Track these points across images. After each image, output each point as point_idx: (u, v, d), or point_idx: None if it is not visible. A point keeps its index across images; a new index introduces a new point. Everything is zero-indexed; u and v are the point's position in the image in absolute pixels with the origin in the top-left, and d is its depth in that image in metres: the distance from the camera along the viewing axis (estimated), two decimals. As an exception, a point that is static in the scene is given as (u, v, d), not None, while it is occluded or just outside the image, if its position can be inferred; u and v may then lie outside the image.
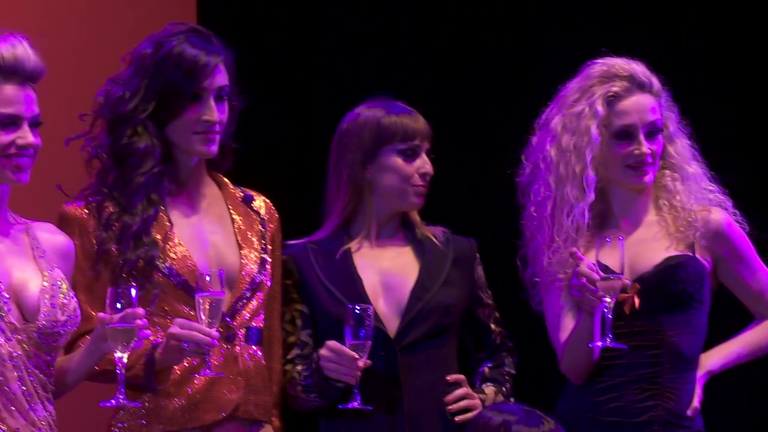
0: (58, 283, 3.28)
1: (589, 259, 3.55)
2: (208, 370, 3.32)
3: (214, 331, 3.29)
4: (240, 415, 3.47)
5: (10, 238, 3.32)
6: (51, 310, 3.26)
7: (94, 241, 3.45)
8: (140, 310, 3.18)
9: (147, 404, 3.40)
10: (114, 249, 3.47)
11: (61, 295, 3.28)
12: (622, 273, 3.47)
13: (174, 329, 3.26)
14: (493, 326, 3.78)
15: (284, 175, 5.06)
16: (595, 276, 3.41)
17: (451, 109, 5.19)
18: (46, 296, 3.26)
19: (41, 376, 3.22)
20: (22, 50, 3.27)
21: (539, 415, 3.35)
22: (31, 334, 3.22)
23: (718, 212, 3.64)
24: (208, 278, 3.33)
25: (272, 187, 3.97)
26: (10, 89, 3.24)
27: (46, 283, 3.27)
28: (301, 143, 5.40)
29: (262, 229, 3.63)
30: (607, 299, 3.42)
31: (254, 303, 3.57)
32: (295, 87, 5.27)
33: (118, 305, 3.14)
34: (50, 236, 3.40)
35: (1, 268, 3.25)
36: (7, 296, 3.22)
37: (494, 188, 4.08)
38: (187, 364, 3.41)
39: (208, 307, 3.30)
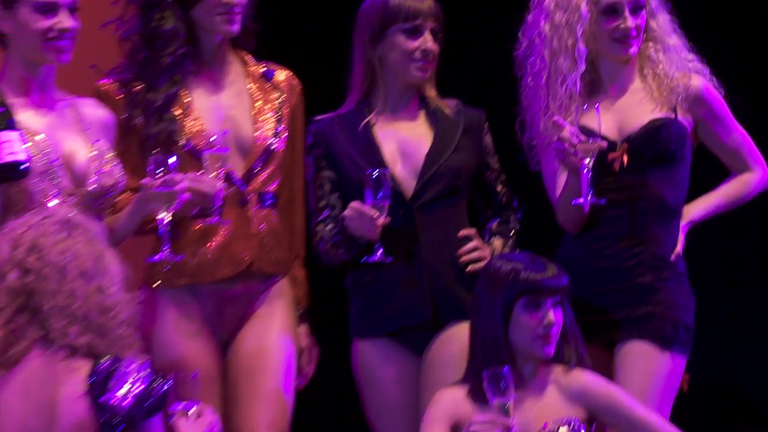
0: (104, 152, 3.53)
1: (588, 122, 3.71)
2: (216, 218, 3.57)
3: (219, 183, 3.53)
4: (255, 270, 3.74)
5: (59, 114, 3.54)
6: (98, 176, 3.51)
7: (124, 116, 3.68)
8: (179, 176, 3.43)
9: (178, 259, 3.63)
10: (139, 123, 3.69)
11: (107, 164, 3.53)
12: (600, 136, 3.67)
13: (185, 182, 3.47)
14: (499, 188, 4.00)
15: (313, 54, 5.13)
16: (575, 140, 3.62)
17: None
18: (94, 164, 3.50)
19: None
20: None
21: (543, 261, 3.58)
22: (82, 197, 3.46)
23: (697, 78, 3.83)
24: (213, 138, 3.56)
25: (301, 65, 4.16)
26: None
27: (92, 153, 3.51)
28: (329, 24, 5.29)
29: (280, 102, 3.83)
30: (587, 160, 3.62)
31: (268, 170, 3.78)
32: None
33: (159, 172, 3.38)
34: (93, 111, 3.62)
35: (52, 140, 3.47)
36: (60, 164, 3.45)
37: (496, 63, 4.19)
38: (203, 226, 3.65)
39: (214, 163, 3.54)
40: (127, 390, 2.84)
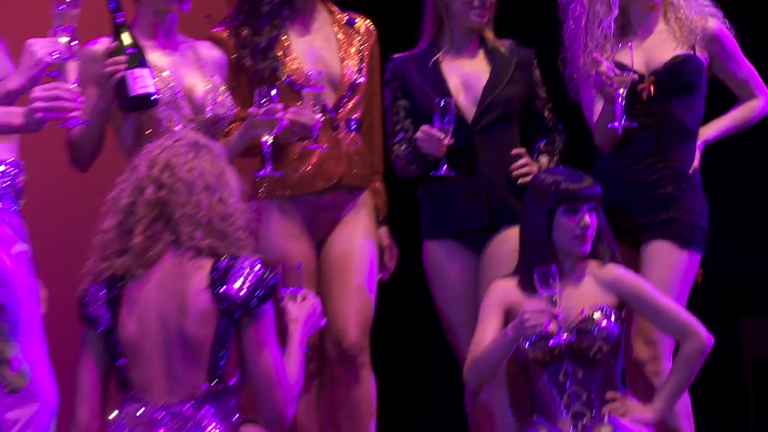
0: (218, 86, 3.69)
1: (612, 60, 3.80)
2: (315, 145, 3.75)
3: (316, 115, 3.67)
4: (344, 184, 3.89)
5: (181, 54, 3.72)
6: (214, 106, 3.67)
7: (234, 56, 3.86)
8: (279, 105, 3.58)
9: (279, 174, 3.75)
10: (248, 62, 3.87)
11: (220, 96, 3.70)
12: (632, 70, 3.78)
13: (288, 114, 3.61)
14: (546, 113, 4.14)
15: (389, 3, 5.18)
16: (611, 73, 3.71)
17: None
18: (210, 96, 3.68)
19: None
20: None
21: (581, 174, 3.67)
22: (200, 123, 3.63)
23: (713, 20, 3.95)
24: (311, 78, 3.74)
25: (380, 13, 4.35)
26: None
27: (208, 86, 3.67)
28: None
29: (361, 45, 4.00)
30: (621, 90, 3.73)
31: (353, 101, 3.94)
32: None
33: (263, 102, 3.55)
34: (209, 51, 3.80)
35: (176, 75, 3.64)
36: (182, 96, 3.62)
37: (543, 8, 4.31)
38: (301, 149, 3.83)
39: (311, 98, 3.70)
40: (241, 283, 2.92)
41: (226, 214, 3.02)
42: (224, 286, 2.93)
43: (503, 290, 3.70)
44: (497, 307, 3.69)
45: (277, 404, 3.03)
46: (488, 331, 3.65)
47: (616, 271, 3.69)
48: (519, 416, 3.96)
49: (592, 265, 3.69)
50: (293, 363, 3.11)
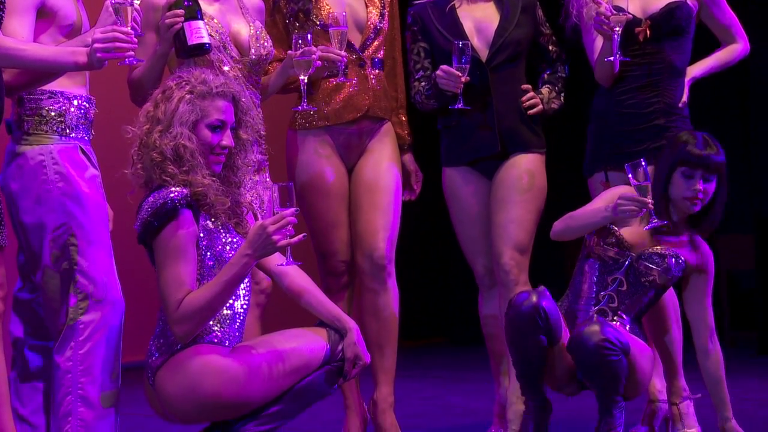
0: (259, 30, 3.88)
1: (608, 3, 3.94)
2: (342, 77, 3.95)
3: (342, 52, 3.90)
4: (370, 114, 4.14)
5: (226, 3, 3.89)
6: (257, 48, 3.86)
7: (272, 1, 4.11)
8: (314, 48, 3.80)
9: (314, 109, 4.02)
10: (284, 5, 4.11)
11: (262, 39, 3.90)
12: (627, 12, 3.92)
13: (317, 52, 3.81)
14: (550, 47, 4.34)
15: None
16: (609, 13, 3.91)
17: None
18: (253, 39, 3.87)
19: (252, 88, 3.82)
20: None
21: (711, 143, 3.83)
22: (245, 63, 3.83)
23: None
24: (339, 19, 3.91)
25: None
26: None
27: (252, 31, 3.87)
28: None
29: None
30: (617, 29, 3.92)
31: (377, 42, 4.18)
32: None
33: (300, 44, 3.75)
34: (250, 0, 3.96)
35: (222, 21, 3.83)
36: (229, 40, 3.82)
37: None
38: (334, 83, 4.05)
39: (338, 37, 3.89)
40: (138, 220, 3.29)
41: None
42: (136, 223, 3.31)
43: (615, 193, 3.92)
44: (607, 199, 3.91)
45: (167, 321, 3.28)
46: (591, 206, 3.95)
47: (703, 249, 3.96)
48: None
49: (690, 233, 3.95)
50: (206, 290, 3.25)
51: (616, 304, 3.92)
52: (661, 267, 3.89)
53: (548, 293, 3.79)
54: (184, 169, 3.29)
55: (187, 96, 3.32)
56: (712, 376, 3.97)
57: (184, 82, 3.36)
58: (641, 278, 3.90)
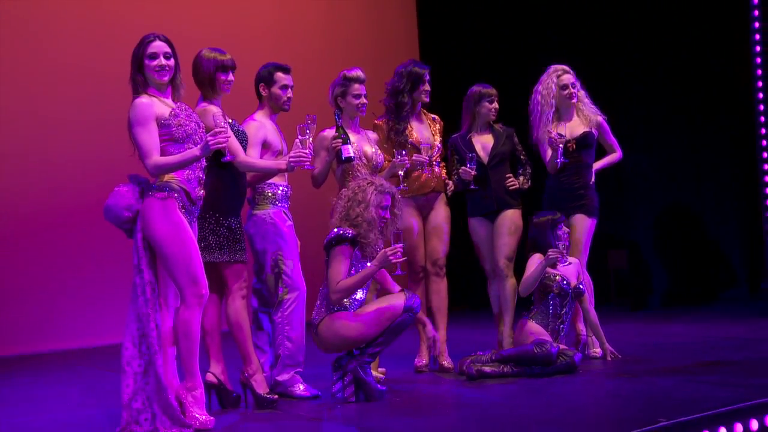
0: (377, 150, 5.41)
1: (556, 131, 5.90)
2: (426, 170, 5.63)
3: (424, 158, 5.60)
4: (433, 190, 6.07)
5: (361, 135, 5.36)
6: (376, 160, 5.40)
7: (385, 134, 5.88)
8: (406, 158, 5.50)
9: (407, 188, 5.56)
10: (392, 136, 5.87)
11: (379, 155, 5.43)
12: (565, 136, 5.76)
13: (413, 158, 5.45)
14: (522, 157, 6.37)
15: (449, 108, 7.12)
16: (556, 137, 5.77)
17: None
18: (374, 155, 5.43)
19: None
20: None
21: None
22: (370, 168, 5.36)
23: (598, 116, 6.29)
24: (422, 142, 5.45)
25: (444, 113, 6.53)
26: None
27: (373, 150, 5.39)
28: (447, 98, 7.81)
29: (437, 128, 6.14)
30: (561, 145, 5.79)
31: (437, 154, 5.94)
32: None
33: (399, 155, 5.40)
34: (372, 134, 5.63)
35: (359, 146, 5.28)
36: (362, 156, 5.27)
37: (522, 107, 6.49)
38: (416, 174, 5.79)
39: (426, 149, 5.57)
40: None
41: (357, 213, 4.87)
42: None
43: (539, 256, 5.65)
44: (534, 262, 5.68)
45: (329, 293, 4.54)
46: (529, 269, 5.57)
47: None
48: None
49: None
50: (350, 280, 4.59)
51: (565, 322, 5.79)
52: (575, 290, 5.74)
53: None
54: (365, 227, 4.95)
55: (376, 190, 5.13)
56: (592, 322, 5.85)
57: (370, 182, 5.19)
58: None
